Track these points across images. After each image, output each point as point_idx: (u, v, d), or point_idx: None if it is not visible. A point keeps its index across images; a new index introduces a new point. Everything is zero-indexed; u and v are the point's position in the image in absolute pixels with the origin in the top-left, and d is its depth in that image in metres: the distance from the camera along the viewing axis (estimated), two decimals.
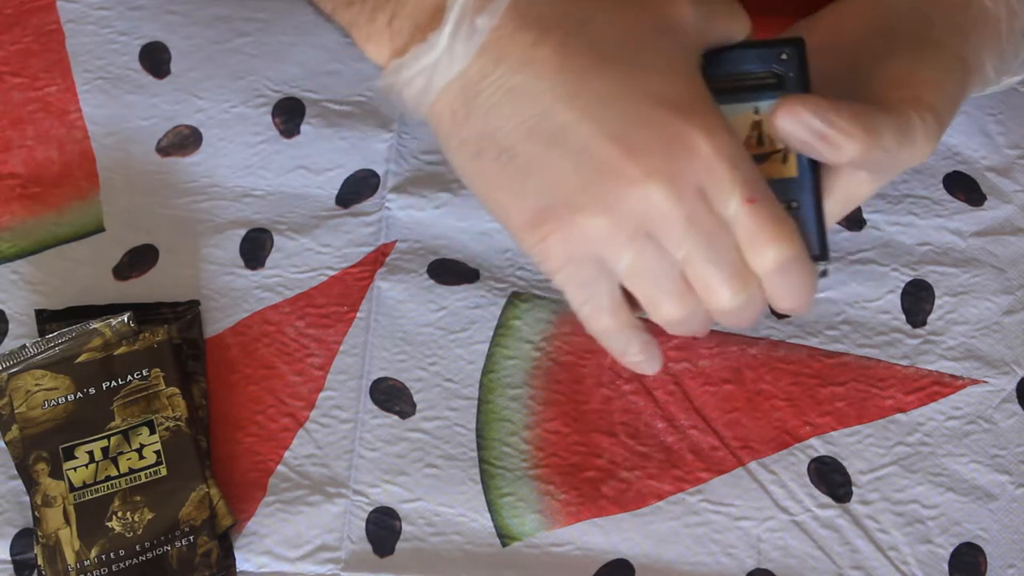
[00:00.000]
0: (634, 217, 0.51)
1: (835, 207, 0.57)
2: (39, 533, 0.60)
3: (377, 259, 0.67)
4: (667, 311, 0.54)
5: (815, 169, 0.55)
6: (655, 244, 0.52)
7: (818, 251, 0.55)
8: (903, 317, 0.66)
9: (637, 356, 0.57)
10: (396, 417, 0.64)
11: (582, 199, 0.52)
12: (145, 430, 0.61)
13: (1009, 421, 0.63)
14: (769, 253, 0.52)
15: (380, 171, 0.69)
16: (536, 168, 0.52)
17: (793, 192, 0.55)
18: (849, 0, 0.60)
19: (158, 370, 0.63)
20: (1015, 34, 0.60)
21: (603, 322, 0.55)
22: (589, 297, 0.54)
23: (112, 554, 0.59)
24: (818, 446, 0.63)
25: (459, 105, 0.52)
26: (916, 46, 0.57)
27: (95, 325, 0.63)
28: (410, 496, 0.62)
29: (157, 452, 0.61)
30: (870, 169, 0.56)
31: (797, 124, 0.52)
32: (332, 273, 0.67)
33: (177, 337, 0.64)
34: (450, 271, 0.67)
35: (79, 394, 0.62)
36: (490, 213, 0.55)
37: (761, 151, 0.56)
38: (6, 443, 0.62)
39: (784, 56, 0.56)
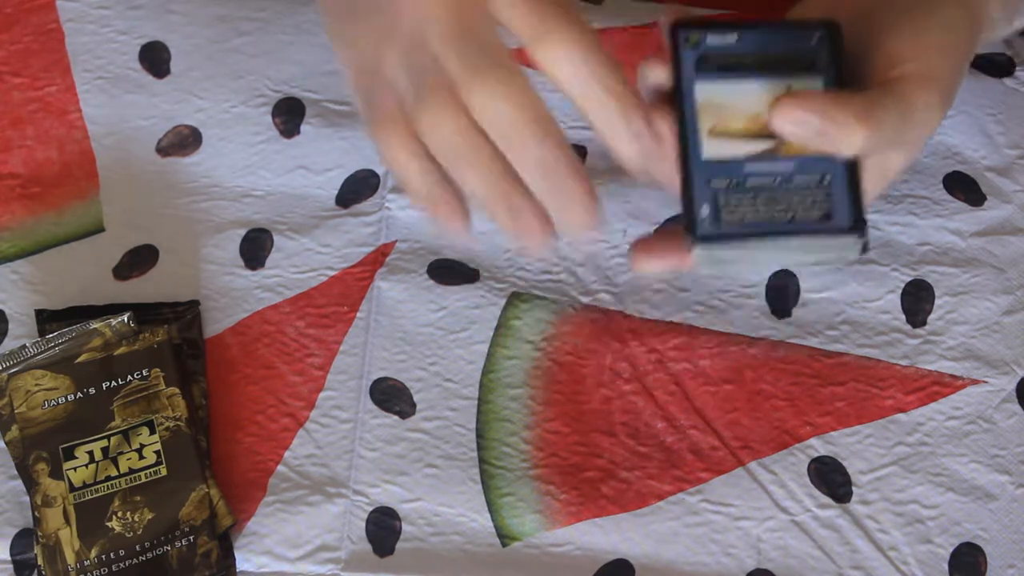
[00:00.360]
0: (395, 14, 0.51)
1: (870, 184, 0.57)
2: (39, 533, 0.60)
3: (377, 259, 0.67)
4: (431, 122, 0.50)
5: None
6: (418, 43, 0.50)
7: (849, 223, 0.55)
8: (903, 317, 0.66)
9: (416, 179, 0.52)
10: (396, 417, 0.64)
11: (379, 9, 0.51)
12: (145, 430, 0.61)
13: (1009, 421, 0.63)
14: (554, 42, 0.49)
15: (380, 171, 0.69)
16: None
17: (825, 167, 0.55)
18: None
19: (158, 370, 0.63)
20: None
21: (384, 128, 0.51)
22: (370, 107, 0.52)
23: (112, 554, 0.59)
24: (818, 446, 0.63)
25: None
26: (924, 5, 0.57)
27: (95, 325, 0.63)
28: (410, 496, 0.62)
29: (157, 452, 0.61)
30: (885, 150, 0.56)
31: (795, 124, 0.52)
32: (332, 273, 0.67)
33: (177, 337, 0.64)
34: (450, 271, 0.67)
35: (79, 394, 0.62)
36: (329, 39, 0.55)
37: None
38: (6, 443, 0.62)
39: (818, 37, 0.56)
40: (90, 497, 0.60)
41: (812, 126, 0.52)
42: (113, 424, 0.62)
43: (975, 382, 0.64)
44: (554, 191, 0.51)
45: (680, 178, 0.56)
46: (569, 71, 0.50)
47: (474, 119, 0.50)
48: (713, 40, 0.57)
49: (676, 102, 0.56)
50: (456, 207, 0.53)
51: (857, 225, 0.55)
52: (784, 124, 0.53)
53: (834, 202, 0.55)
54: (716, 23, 0.57)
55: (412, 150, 0.51)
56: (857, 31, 0.57)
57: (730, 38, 0.57)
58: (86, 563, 0.59)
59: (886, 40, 0.56)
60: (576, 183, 0.51)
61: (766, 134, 0.55)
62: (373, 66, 0.52)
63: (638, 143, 0.52)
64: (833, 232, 0.55)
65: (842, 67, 0.56)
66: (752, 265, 0.60)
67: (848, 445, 0.63)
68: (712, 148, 0.56)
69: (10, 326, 0.65)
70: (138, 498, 0.60)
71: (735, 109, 0.56)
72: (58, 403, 0.62)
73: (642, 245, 0.59)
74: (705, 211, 0.55)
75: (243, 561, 0.61)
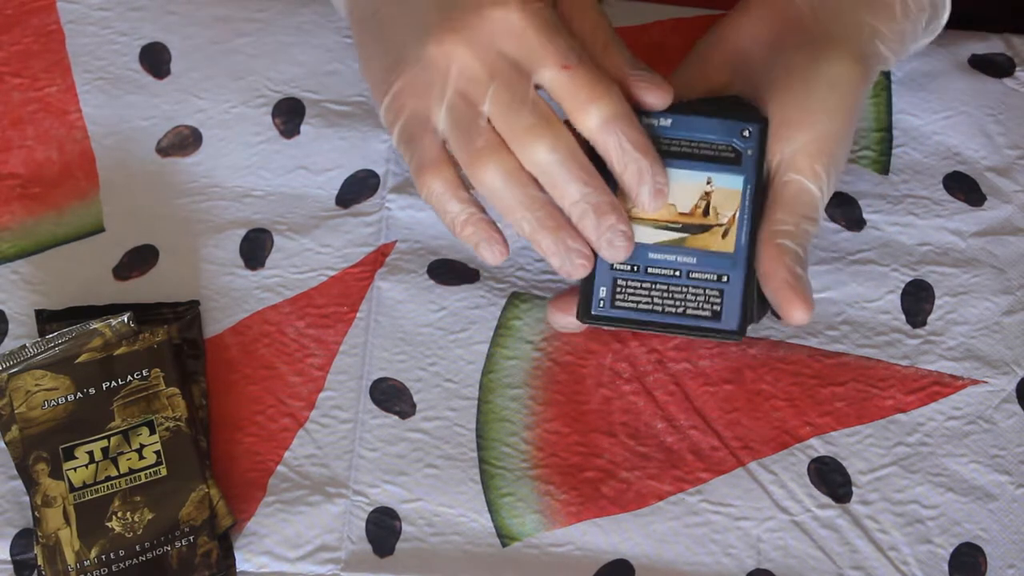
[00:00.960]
0: (443, 75, 0.56)
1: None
2: (39, 533, 0.60)
3: (377, 259, 0.67)
4: (485, 173, 0.56)
5: (751, 249, 0.58)
6: (467, 101, 0.56)
7: (737, 327, 0.58)
8: (903, 317, 0.66)
9: (470, 229, 0.57)
10: (396, 417, 0.64)
11: (409, 57, 0.57)
12: (145, 430, 0.61)
13: (1009, 421, 0.63)
14: (592, 111, 0.55)
15: (380, 171, 0.69)
16: (388, 27, 0.58)
17: (726, 267, 0.58)
18: (751, 5, 0.63)
19: (158, 370, 0.63)
20: (911, 11, 0.62)
21: (430, 184, 0.57)
22: (415, 153, 0.57)
23: (112, 554, 0.59)
24: (818, 446, 0.63)
25: None
26: (813, 61, 0.60)
27: (95, 325, 0.63)
28: (410, 496, 0.62)
29: (157, 452, 0.61)
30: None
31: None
32: (332, 273, 0.67)
33: (177, 337, 0.64)
34: (450, 271, 0.67)
35: (79, 394, 0.62)
36: (365, 78, 0.61)
37: (704, 222, 0.59)
38: (6, 443, 0.62)
39: (746, 133, 0.59)
40: (90, 497, 0.60)
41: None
42: (113, 424, 0.62)
43: (975, 382, 0.64)
44: (595, 225, 0.56)
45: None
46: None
47: (522, 164, 0.56)
48: (647, 121, 0.59)
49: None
50: (497, 242, 0.58)
51: (741, 329, 0.58)
52: (804, 318, 0.58)
53: (726, 301, 0.58)
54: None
55: (455, 191, 0.57)
56: (749, 88, 0.61)
57: (664, 121, 0.59)
58: (86, 563, 0.59)
59: (778, 106, 0.59)
60: (615, 217, 0.56)
61: (677, 224, 0.58)
62: (419, 124, 0.57)
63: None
64: (717, 333, 0.58)
65: (765, 162, 0.59)
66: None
67: (848, 445, 0.63)
68: None
69: (10, 326, 0.65)
70: (138, 498, 0.60)
71: None
72: (58, 403, 0.62)
73: (559, 301, 0.61)
74: (602, 292, 0.58)
75: (243, 561, 0.61)
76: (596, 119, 0.55)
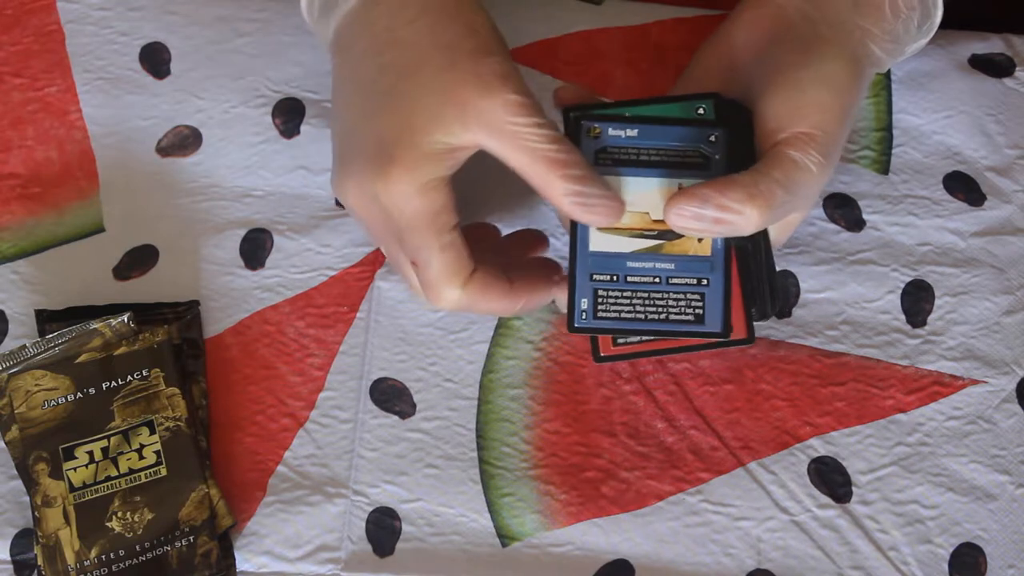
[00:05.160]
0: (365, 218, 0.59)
1: (773, 234, 0.61)
2: (39, 533, 0.60)
3: (377, 259, 0.67)
4: (440, 303, 0.58)
5: (727, 250, 0.59)
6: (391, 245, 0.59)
7: (720, 329, 0.59)
8: (903, 317, 0.66)
9: (499, 306, 0.60)
10: (396, 417, 0.64)
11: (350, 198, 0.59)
12: (145, 430, 0.61)
13: (1009, 421, 0.63)
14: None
15: None
16: (358, 108, 0.58)
17: (704, 270, 0.59)
18: (744, 10, 0.63)
19: (158, 370, 0.63)
20: (900, 11, 0.62)
21: (443, 299, 0.58)
22: (409, 282, 0.60)
23: (112, 554, 0.59)
24: (818, 446, 0.63)
25: (348, 37, 0.60)
26: (804, 59, 0.60)
27: (95, 325, 0.63)
28: (410, 496, 0.62)
29: (157, 452, 0.61)
30: (784, 216, 0.58)
31: (691, 220, 0.55)
32: (332, 273, 0.67)
33: (177, 337, 0.64)
34: None
35: (79, 394, 0.62)
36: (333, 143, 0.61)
37: None
38: (6, 443, 0.62)
39: (715, 135, 0.59)
40: (90, 497, 0.60)
41: (707, 217, 0.55)
42: (113, 424, 0.62)
43: (975, 382, 0.64)
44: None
45: (568, 264, 0.59)
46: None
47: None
48: (614, 133, 0.59)
49: None
50: (529, 301, 0.61)
51: (725, 331, 0.59)
52: (680, 221, 0.56)
53: (707, 304, 0.59)
54: (615, 115, 0.59)
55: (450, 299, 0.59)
56: (743, 90, 0.61)
57: (631, 131, 0.59)
58: (86, 563, 0.59)
59: (768, 104, 0.59)
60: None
61: (652, 232, 0.59)
62: (383, 247, 0.61)
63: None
64: (701, 335, 0.59)
65: (754, 152, 0.59)
66: None
67: (848, 445, 0.63)
68: (600, 242, 0.59)
69: (10, 326, 0.65)
70: (138, 498, 0.60)
71: (626, 205, 0.59)
72: (58, 403, 0.62)
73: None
74: (584, 304, 0.59)
75: (243, 561, 0.61)
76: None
